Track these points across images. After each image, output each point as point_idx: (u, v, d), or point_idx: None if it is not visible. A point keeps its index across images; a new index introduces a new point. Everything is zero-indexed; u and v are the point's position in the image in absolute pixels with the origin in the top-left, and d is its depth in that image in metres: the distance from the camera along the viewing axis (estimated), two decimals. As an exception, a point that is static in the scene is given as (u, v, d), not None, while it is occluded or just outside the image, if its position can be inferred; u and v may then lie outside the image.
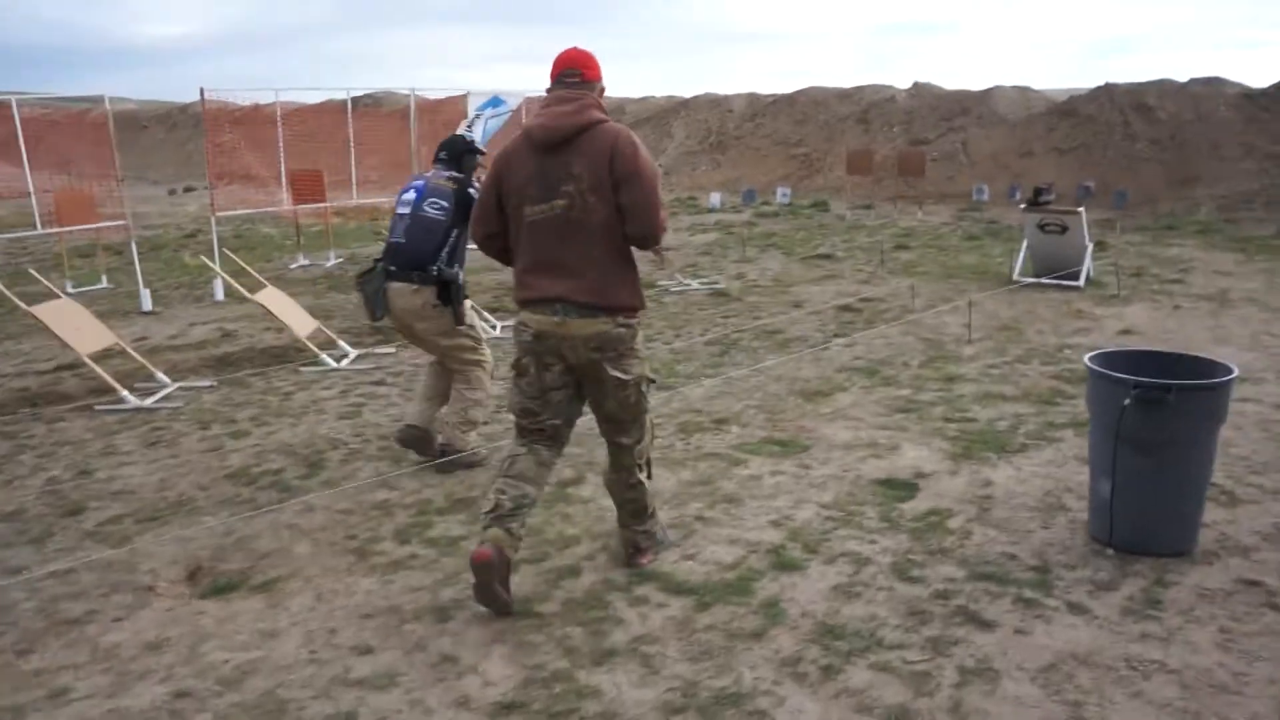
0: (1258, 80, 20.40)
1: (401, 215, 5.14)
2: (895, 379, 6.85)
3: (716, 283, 11.05)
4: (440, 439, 5.25)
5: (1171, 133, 18.91)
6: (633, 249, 3.62)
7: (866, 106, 23.00)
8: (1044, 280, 10.18)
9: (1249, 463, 5.13)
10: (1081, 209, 10.26)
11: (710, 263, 12.67)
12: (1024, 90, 22.00)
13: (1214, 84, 19.82)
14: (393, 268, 5.05)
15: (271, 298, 8.03)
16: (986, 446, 5.42)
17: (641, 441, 3.84)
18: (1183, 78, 20.08)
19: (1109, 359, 4.28)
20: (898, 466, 5.16)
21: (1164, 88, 19.90)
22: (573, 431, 3.93)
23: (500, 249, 3.76)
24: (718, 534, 4.37)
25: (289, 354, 8.01)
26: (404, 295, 5.05)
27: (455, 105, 14.48)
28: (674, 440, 5.67)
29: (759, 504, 4.71)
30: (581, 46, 3.65)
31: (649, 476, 3.98)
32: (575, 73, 3.59)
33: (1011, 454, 5.32)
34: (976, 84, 23.25)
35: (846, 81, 23.12)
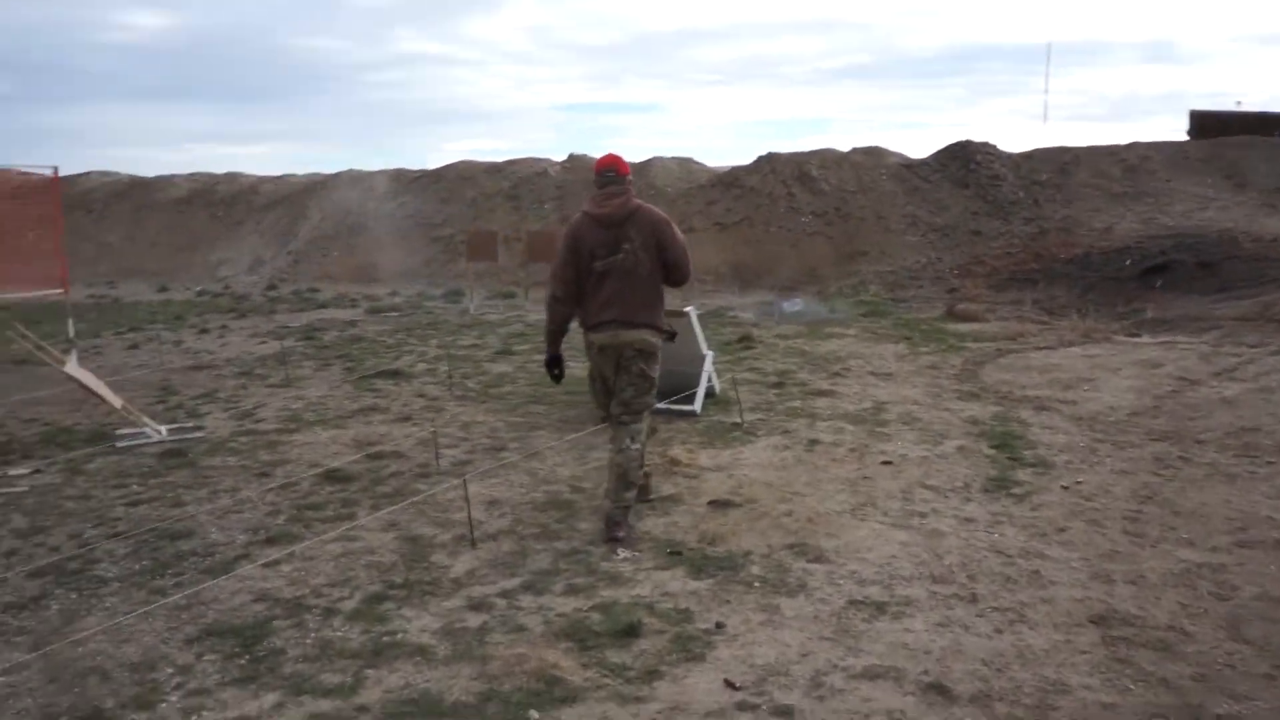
0: (915, 151, 19.37)
1: None
2: (273, 662, 3.57)
3: (201, 427, 7.52)
4: None
5: (836, 205, 17.29)
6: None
7: (517, 182, 20.28)
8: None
9: None
10: (690, 308, 7.53)
11: (235, 389, 9.11)
12: (685, 162, 20.04)
13: (874, 154, 18.54)
14: None
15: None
16: None
17: (640, 423, 4.99)
18: (844, 148, 18.74)
19: None
20: None
21: (826, 157, 18.42)
22: None
23: (570, 300, 5.02)
24: None
25: None
26: None
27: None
28: None
29: None
30: (614, 152, 5.06)
31: (641, 451, 5.01)
32: (613, 169, 4.97)
33: None
34: (639, 155, 21.11)
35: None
